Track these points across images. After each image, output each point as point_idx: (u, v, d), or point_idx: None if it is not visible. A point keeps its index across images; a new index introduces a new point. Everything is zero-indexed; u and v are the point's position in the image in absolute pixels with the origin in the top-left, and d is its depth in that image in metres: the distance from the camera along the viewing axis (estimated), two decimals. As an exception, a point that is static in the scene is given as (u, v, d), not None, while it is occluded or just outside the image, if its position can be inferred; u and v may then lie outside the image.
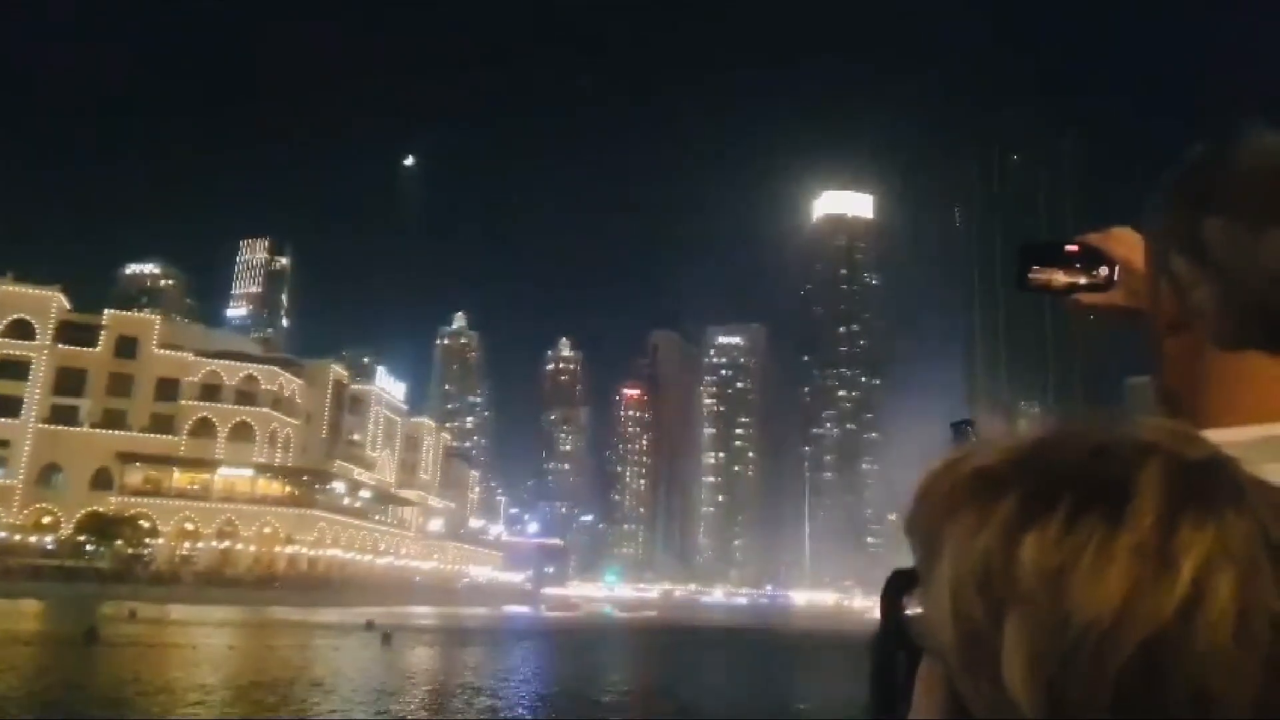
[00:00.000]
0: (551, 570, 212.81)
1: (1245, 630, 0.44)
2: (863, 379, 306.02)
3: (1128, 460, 0.49)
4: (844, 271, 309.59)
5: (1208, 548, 0.46)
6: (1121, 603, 0.45)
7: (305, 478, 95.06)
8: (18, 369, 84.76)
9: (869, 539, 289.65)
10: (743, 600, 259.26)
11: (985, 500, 0.51)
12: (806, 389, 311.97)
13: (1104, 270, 1.18)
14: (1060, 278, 1.19)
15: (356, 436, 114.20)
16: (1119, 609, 0.45)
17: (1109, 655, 0.45)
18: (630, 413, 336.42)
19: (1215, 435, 0.57)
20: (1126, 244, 1.16)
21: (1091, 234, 1.22)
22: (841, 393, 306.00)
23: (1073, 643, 0.45)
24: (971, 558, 0.50)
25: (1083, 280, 1.18)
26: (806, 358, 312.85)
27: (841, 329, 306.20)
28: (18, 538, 79.93)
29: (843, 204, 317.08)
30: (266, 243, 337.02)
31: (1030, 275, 1.20)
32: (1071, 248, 1.20)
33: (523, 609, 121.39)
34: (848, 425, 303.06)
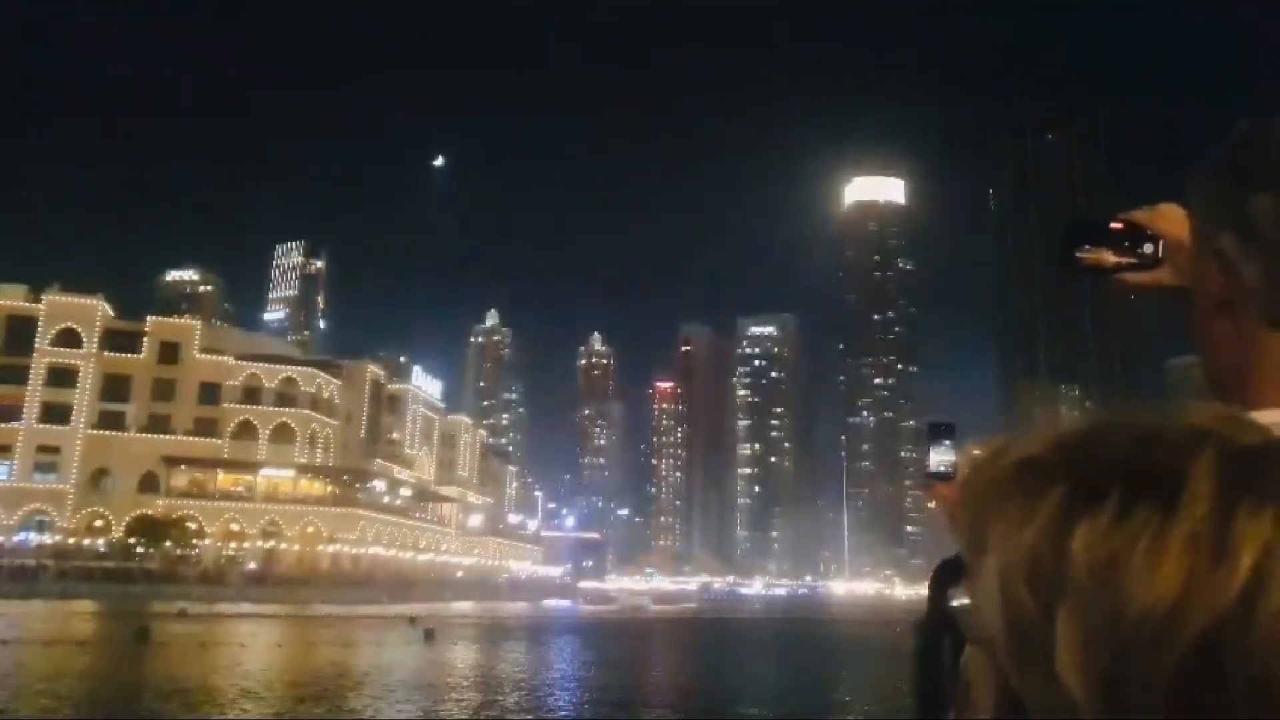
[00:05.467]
0: (590, 564, 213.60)
1: None
2: (898, 366, 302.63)
3: (1179, 448, 0.48)
4: (876, 258, 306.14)
5: (1267, 536, 0.45)
6: (1178, 593, 0.44)
7: (346, 477, 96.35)
8: (67, 376, 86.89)
9: (909, 528, 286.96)
10: (782, 592, 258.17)
11: (1032, 492, 0.50)
12: (841, 378, 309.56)
13: (1150, 248, 1.15)
14: (1108, 257, 1.16)
15: (395, 435, 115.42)
16: (1176, 599, 0.44)
17: (1166, 646, 0.44)
18: (664, 406, 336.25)
19: (1265, 417, 0.56)
20: (1174, 221, 1.12)
21: (1138, 211, 1.18)
22: (877, 380, 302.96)
23: (1128, 634, 0.45)
24: (1020, 551, 0.49)
25: (1129, 259, 1.15)
26: (841, 346, 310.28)
27: (875, 316, 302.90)
28: (71, 541, 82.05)
29: (874, 190, 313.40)
30: (302, 246, 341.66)
31: (1077, 254, 1.17)
32: (1117, 225, 1.17)
33: (562, 602, 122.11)
34: (885, 413, 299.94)
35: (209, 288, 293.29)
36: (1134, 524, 0.46)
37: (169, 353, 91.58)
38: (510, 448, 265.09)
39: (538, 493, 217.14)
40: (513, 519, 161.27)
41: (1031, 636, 0.48)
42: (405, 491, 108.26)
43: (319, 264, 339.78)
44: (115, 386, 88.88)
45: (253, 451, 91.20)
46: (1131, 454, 0.48)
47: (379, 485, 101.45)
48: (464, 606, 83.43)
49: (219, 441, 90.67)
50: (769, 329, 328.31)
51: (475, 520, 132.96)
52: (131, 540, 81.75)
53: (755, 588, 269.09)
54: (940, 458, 1.66)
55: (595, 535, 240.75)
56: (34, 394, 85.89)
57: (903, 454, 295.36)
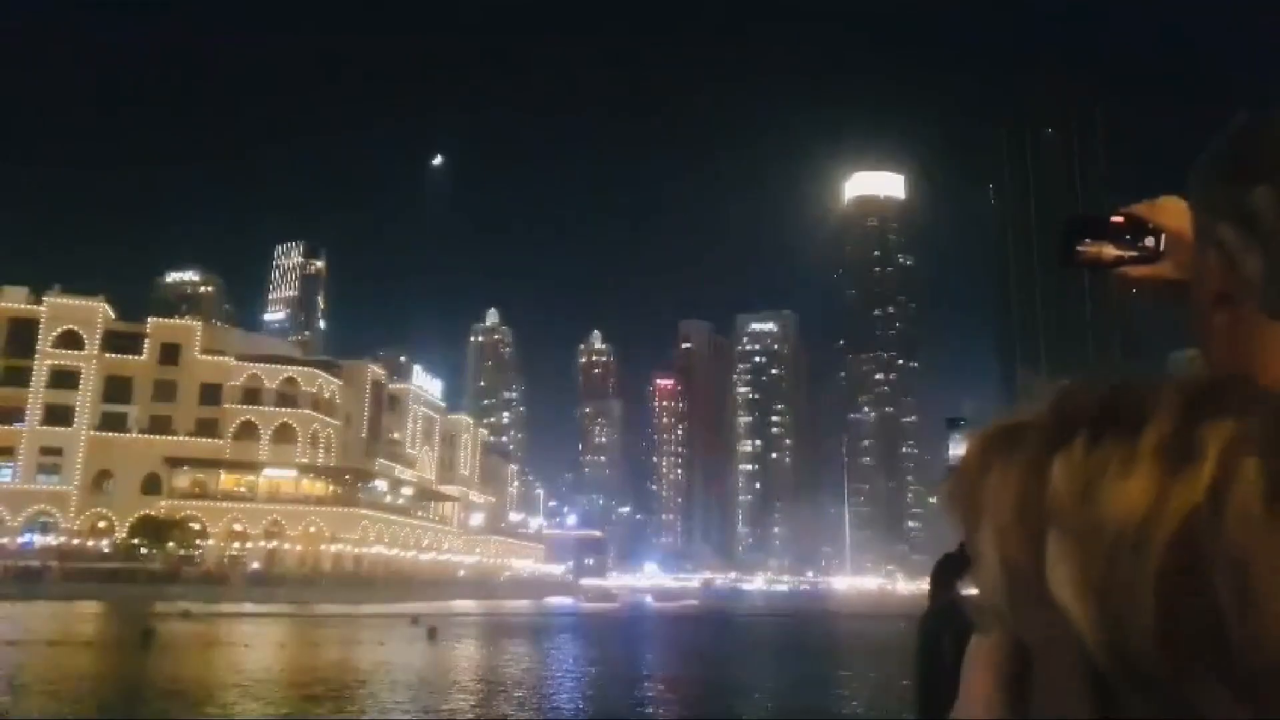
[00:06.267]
0: (591, 561, 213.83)
1: (1276, 503, 0.45)
2: (899, 361, 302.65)
3: (1143, 390, 0.52)
4: (876, 253, 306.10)
5: (1229, 435, 0.48)
6: (1152, 498, 0.47)
7: (347, 477, 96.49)
8: (69, 378, 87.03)
9: (910, 524, 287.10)
10: (783, 588, 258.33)
11: (1010, 447, 0.54)
12: (842, 374, 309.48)
13: (1151, 241, 1.14)
14: (1108, 250, 1.15)
15: (396, 435, 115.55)
16: (1151, 504, 0.47)
17: (1147, 546, 0.46)
18: (664, 403, 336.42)
19: None
20: (1175, 214, 1.12)
21: (1138, 204, 1.18)
22: (878, 376, 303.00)
23: (1111, 542, 0.47)
24: (1007, 502, 0.52)
25: (1130, 252, 1.15)
26: (841, 342, 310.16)
27: (876, 312, 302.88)
28: (75, 542, 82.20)
29: (874, 185, 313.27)
30: (301, 246, 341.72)
31: (1078, 249, 1.16)
32: (1118, 219, 1.16)
33: (564, 600, 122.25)
34: (885, 409, 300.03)
35: (209, 289, 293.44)
36: (1106, 448, 0.49)
37: (170, 354, 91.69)
38: (511, 446, 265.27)
39: (539, 491, 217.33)
40: (514, 517, 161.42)
41: (1025, 570, 0.50)
42: (407, 491, 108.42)
43: (319, 264, 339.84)
44: (117, 388, 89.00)
45: (254, 452, 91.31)
46: (1100, 400, 0.52)
47: (380, 485, 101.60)
48: (466, 605, 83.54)
49: (220, 442, 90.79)
50: (769, 325, 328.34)
51: (477, 519, 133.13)
52: (135, 541, 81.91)
53: (757, 584, 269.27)
54: (960, 452, 1.60)
55: (597, 533, 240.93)
56: (36, 396, 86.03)
57: (903, 450, 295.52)
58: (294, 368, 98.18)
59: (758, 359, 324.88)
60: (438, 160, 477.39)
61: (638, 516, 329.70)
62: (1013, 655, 0.52)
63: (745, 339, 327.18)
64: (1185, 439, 0.48)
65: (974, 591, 0.54)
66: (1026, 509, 0.51)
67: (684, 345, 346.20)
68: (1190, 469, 0.47)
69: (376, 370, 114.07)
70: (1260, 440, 0.47)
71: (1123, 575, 0.46)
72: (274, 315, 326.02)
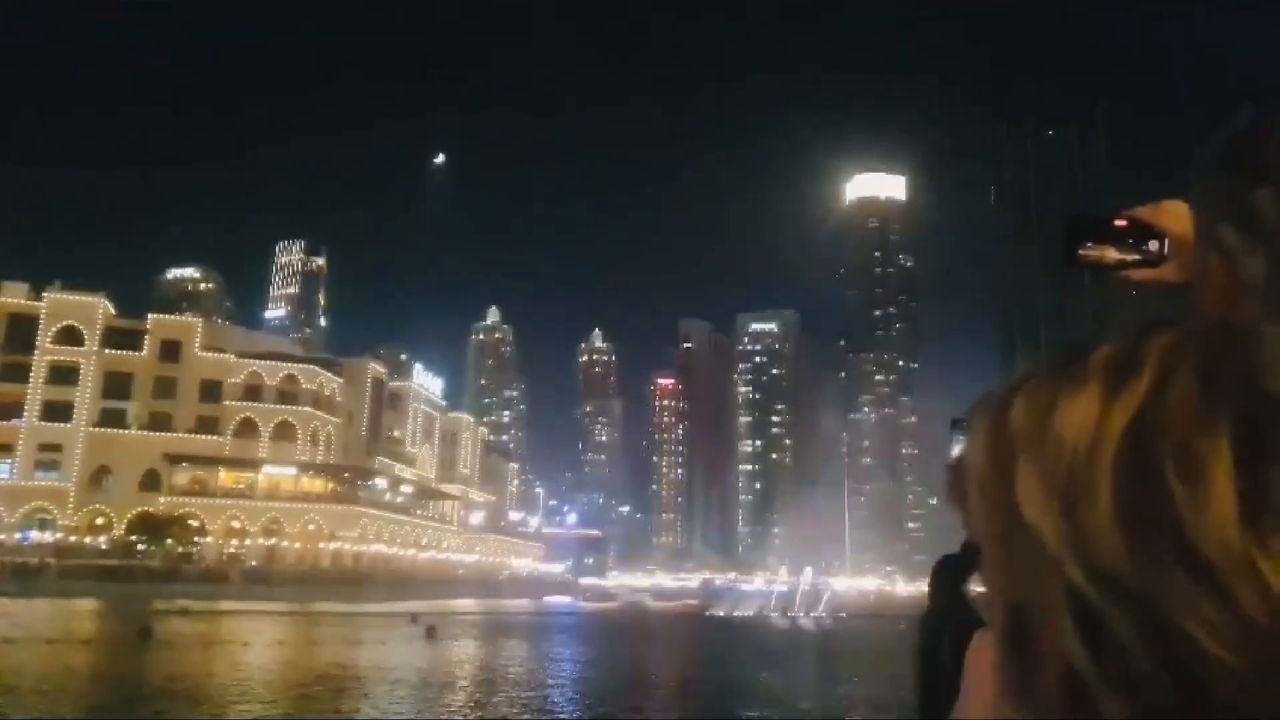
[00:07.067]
0: (591, 561, 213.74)
1: (1215, 392, 0.47)
2: (900, 362, 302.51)
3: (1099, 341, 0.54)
4: (877, 254, 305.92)
5: (1173, 340, 0.51)
6: (1100, 404, 0.50)
7: (347, 475, 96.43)
8: (68, 374, 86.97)
9: (910, 524, 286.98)
10: (783, 588, 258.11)
11: (986, 407, 0.57)
12: (843, 374, 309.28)
13: (1154, 245, 1.14)
14: (1111, 254, 1.15)
15: (396, 433, 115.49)
16: (1099, 409, 0.50)
17: (1101, 452, 0.48)
18: (665, 403, 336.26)
19: None
20: (1177, 217, 1.12)
21: (1141, 207, 1.18)
22: (879, 377, 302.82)
23: (1069, 454, 0.49)
24: (981, 454, 0.55)
25: (1133, 256, 1.15)
26: (842, 342, 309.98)
27: (877, 312, 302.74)
28: (73, 539, 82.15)
29: (874, 186, 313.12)
30: (302, 244, 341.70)
31: (1080, 252, 1.17)
32: (1121, 222, 1.16)
33: (563, 599, 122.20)
34: (886, 410, 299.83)
35: (210, 285, 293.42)
36: (1063, 375, 0.53)
37: (170, 350, 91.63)
38: (511, 445, 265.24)
39: (539, 490, 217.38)
40: (514, 516, 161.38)
41: (1002, 503, 0.52)
42: (406, 489, 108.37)
43: (320, 261, 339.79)
44: (116, 384, 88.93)
45: (254, 449, 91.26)
46: (1064, 353, 0.56)
47: (380, 483, 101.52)
48: (465, 604, 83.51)
49: (220, 439, 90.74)
50: (770, 325, 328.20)
51: (476, 518, 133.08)
52: (133, 538, 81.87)
53: (757, 584, 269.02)
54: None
55: (597, 532, 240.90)
56: (35, 392, 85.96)
57: (904, 450, 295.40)
58: (294, 365, 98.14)
59: (758, 359, 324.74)
60: (438, 160, 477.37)
61: (638, 516, 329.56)
62: (1011, 618, 0.52)
63: (746, 339, 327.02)
64: (1131, 353, 0.52)
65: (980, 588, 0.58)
66: (997, 448, 0.53)
67: (684, 345, 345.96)
68: (1134, 375, 0.50)
69: (377, 368, 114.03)
70: (1197, 343, 0.50)
71: (1080, 479, 0.48)
72: (274, 313, 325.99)
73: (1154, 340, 0.51)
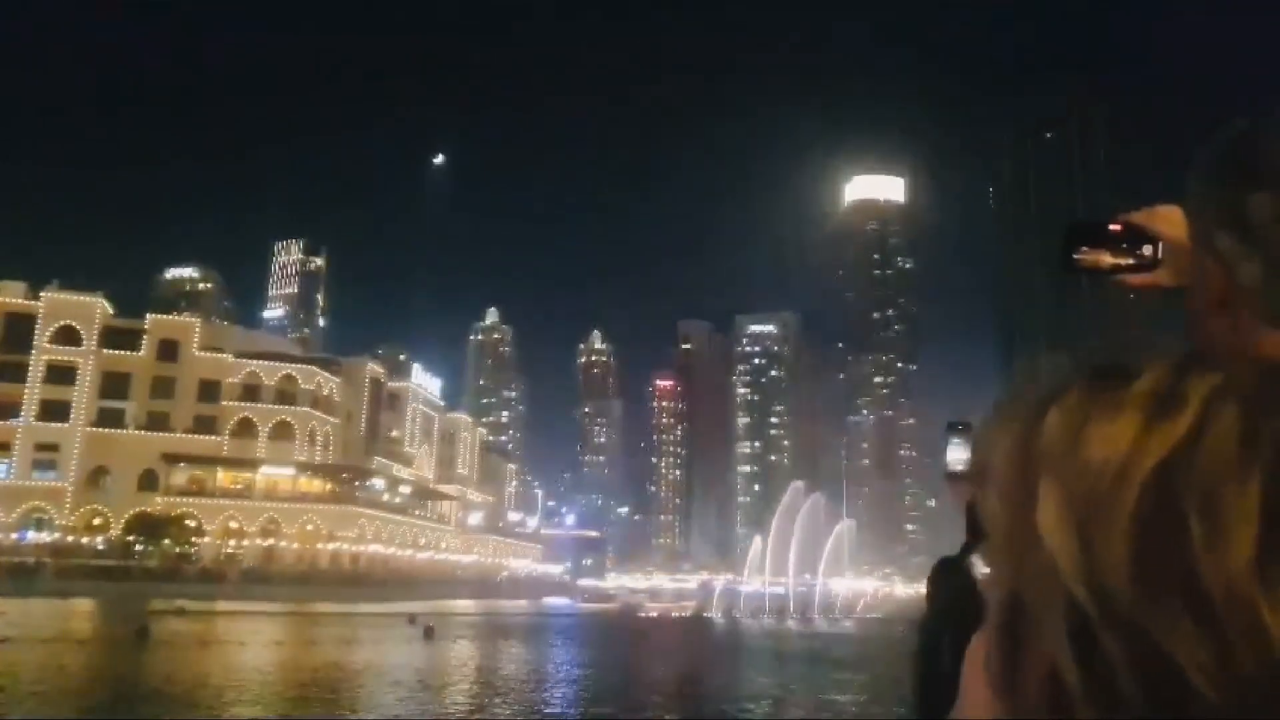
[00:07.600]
0: (589, 562, 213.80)
1: (1253, 444, 0.47)
2: (898, 364, 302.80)
3: (1138, 353, 0.55)
4: (876, 256, 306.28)
5: (1215, 385, 0.50)
6: (1134, 437, 0.49)
7: (345, 475, 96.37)
8: (66, 374, 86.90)
9: (908, 526, 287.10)
10: (780, 589, 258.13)
11: (1010, 416, 0.56)
12: (841, 376, 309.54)
13: (1148, 249, 1.16)
14: (1106, 258, 1.18)
15: (394, 433, 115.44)
16: (1132, 442, 0.49)
17: (1126, 484, 0.48)
18: (663, 404, 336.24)
19: None
20: (1172, 222, 1.13)
21: (1136, 212, 1.20)
22: (877, 379, 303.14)
23: (1093, 482, 0.49)
24: (1006, 454, 0.54)
25: (1128, 260, 1.17)
26: (840, 344, 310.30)
27: (875, 314, 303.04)
28: (71, 539, 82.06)
29: (873, 188, 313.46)
30: (301, 244, 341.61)
31: (1076, 256, 1.19)
32: (1115, 227, 1.18)
33: (561, 601, 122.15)
34: (884, 411, 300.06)
35: (208, 285, 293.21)
36: (1098, 396, 0.52)
37: (168, 350, 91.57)
38: (510, 445, 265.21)
39: (537, 490, 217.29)
40: (512, 517, 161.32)
41: (1021, 516, 0.52)
42: (405, 489, 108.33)
43: (318, 261, 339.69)
44: (114, 384, 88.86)
45: (252, 449, 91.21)
46: (1095, 364, 0.55)
47: (378, 483, 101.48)
48: (463, 604, 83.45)
49: (218, 439, 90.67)
50: (769, 327, 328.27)
51: (475, 518, 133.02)
52: (131, 538, 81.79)
53: (754, 585, 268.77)
54: (958, 456, 1.63)
55: (595, 533, 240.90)
56: (33, 391, 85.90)
57: (902, 452, 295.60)
58: (293, 365, 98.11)
59: (757, 360, 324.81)
60: (438, 160, 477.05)
61: (636, 517, 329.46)
62: (1008, 611, 0.52)
63: (745, 340, 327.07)
64: (1172, 388, 0.50)
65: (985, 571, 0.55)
66: (1023, 458, 0.53)
67: (683, 346, 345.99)
68: (1173, 413, 0.49)
69: (375, 368, 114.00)
70: (1241, 391, 0.49)
71: (1102, 510, 0.48)
72: (273, 312, 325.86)
73: (1197, 379, 0.51)
